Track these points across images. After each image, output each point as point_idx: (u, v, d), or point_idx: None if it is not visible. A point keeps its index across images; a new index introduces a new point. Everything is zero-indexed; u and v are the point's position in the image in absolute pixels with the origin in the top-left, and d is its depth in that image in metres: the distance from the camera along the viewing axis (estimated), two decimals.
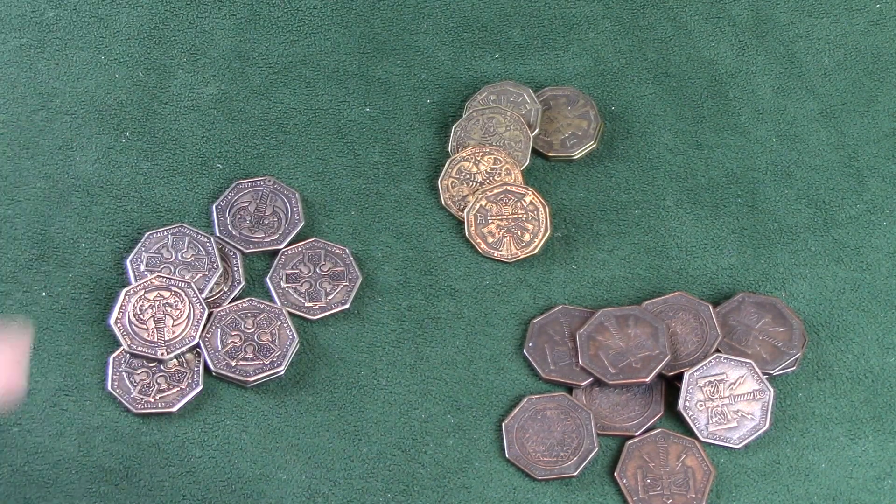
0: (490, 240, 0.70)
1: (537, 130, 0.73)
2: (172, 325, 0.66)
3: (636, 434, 0.66)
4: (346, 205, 0.71)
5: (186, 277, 0.68)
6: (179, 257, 0.68)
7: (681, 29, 0.77)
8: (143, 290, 0.67)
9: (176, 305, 0.67)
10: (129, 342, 0.66)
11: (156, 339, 0.66)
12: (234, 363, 0.67)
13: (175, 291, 0.67)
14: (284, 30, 0.75)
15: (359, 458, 0.66)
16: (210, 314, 0.67)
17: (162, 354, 0.66)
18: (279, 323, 0.68)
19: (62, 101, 0.73)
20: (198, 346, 0.67)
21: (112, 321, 0.66)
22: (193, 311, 0.67)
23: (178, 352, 0.66)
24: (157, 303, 0.67)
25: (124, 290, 0.67)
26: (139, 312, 0.67)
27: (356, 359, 0.68)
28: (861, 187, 0.73)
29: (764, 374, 0.67)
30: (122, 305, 0.67)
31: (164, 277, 0.67)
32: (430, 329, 0.69)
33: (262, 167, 0.72)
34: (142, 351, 0.66)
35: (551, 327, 0.68)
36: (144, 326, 0.66)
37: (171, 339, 0.66)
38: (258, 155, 0.72)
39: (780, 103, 0.75)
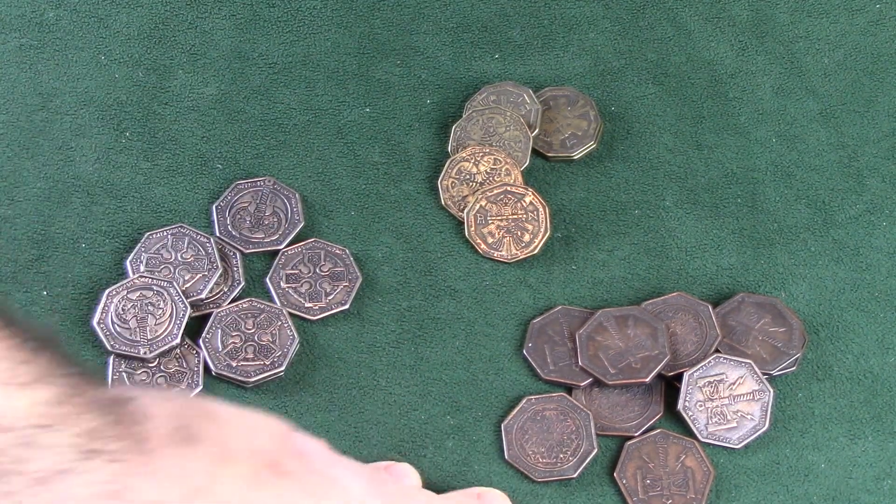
0: (490, 240, 0.70)
1: (537, 131, 0.73)
2: (155, 324, 0.66)
3: (636, 434, 0.66)
4: (346, 205, 0.71)
5: (186, 277, 0.68)
6: (179, 258, 0.68)
7: (681, 29, 0.76)
8: (126, 290, 0.67)
9: (158, 304, 0.67)
10: (112, 342, 0.66)
11: (138, 339, 0.66)
12: (234, 364, 0.67)
13: (157, 291, 0.67)
14: (284, 30, 0.75)
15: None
16: (192, 313, 0.67)
17: (144, 353, 0.66)
18: (279, 323, 0.68)
19: (62, 102, 0.73)
20: (182, 344, 0.66)
21: (95, 322, 0.66)
22: (176, 309, 0.67)
23: (161, 350, 0.66)
24: (140, 302, 0.67)
25: (106, 291, 0.67)
26: (121, 312, 0.66)
27: (356, 359, 0.68)
28: (861, 187, 0.73)
29: (764, 374, 0.67)
30: (104, 306, 0.67)
31: (146, 277, 0.67)
32: (430, 329, 0.69)
33: (262, 167, 0.72)
34: (124, 350, 0.66)
35: (551, 328, 0.68)
36: (127, 326, 0.66)
37: (153, 338, 0.66)
38: (258, 155, 0.72)
39: (780, 103, 0.75)
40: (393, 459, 0.66)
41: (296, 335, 0.67)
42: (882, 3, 0.78)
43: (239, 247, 0.70)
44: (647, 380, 0.66)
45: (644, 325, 0.68)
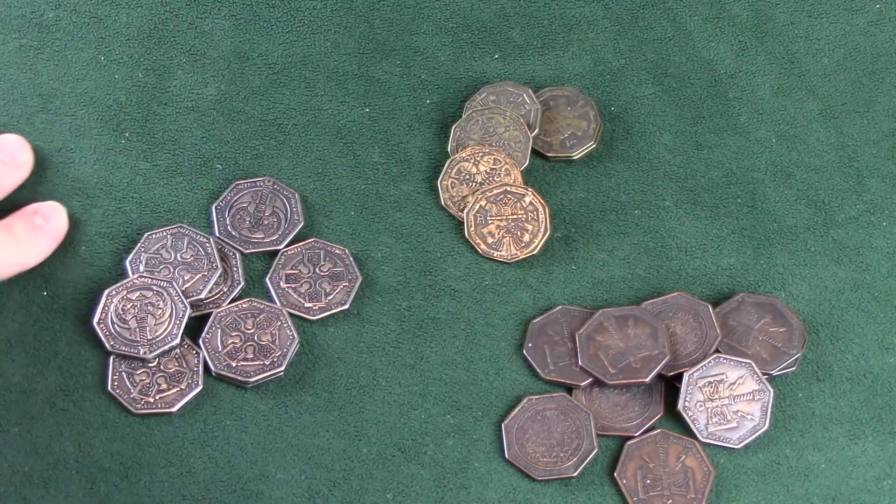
0: (490, 240, 0.70)
1: (537, 131, 0.73)
2: (155, 324, 0.66)
3: (636, 434, 0.66)
4: (346, 205, 0.71)
5: (186, 277, 0.68)
6: (179, 258, 0.68)
7: (681, 29, 0.77)
8: (126, 291, 0.67)
9: (158, 304, 0.67)
10: (112, 342, 0.66)
11: (138, 339, 0.66)
12: (234, 363, 0.67)
13: (157, 291, 0.67)
14: (284, 30, 0.75)
15: (358, 459, 0.66)
16: (191, 313, 0.67)
17: (144, 353, 0.66)
18: (279, 323, 0.68)
19: (62, 102, 0.73)
20: (182, 344, 0.66)
21: (95, 322, 0.66)
22: (175, 309, 0.67)
23: (161, 350, 0.66)
24: (140, 302, 0.67)
25: (106, 291, 0.67)
26: (121, 312, 0.66)
27: (356, 359, 0.68)
28: (861, 187, 0.73)
29: (764, 374, 0.67)
30: (104, 306, 0.67)
31: (145, 277, 0.67)
32: (430, 329, 0.69)
33: (261, 167, 0.72)
34: (124, 350, 0.66)
35: (551, 328, 0.68)
36: (127, 326, 0.66)
37: (153, 338, 0.66)
38: (258, 155, 0.72)
39: (780, 103, 0.75)
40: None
41: (295, 335, 0.67)
42: (882, 3, 0.78)
43: (238, 247, 0.70)
44: (647, 380, 0.66)
45: (644, 325, 0.68)
